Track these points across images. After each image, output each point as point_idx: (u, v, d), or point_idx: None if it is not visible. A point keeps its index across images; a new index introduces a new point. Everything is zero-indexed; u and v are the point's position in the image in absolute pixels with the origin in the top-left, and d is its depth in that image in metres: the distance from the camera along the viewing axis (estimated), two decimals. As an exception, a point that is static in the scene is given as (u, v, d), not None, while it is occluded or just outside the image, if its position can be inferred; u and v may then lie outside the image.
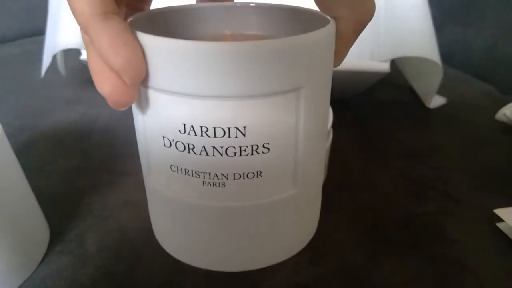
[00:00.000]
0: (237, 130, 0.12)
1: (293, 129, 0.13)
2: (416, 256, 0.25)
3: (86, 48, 0.13)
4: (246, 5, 0.16)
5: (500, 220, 0.26)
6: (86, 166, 0.31)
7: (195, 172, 0.13)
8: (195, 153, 0.13)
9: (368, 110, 0.38)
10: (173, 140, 0.13)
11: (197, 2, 0.17)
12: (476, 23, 0.42)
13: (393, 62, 0.32)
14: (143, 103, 0.13)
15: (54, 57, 0.32)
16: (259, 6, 0.16)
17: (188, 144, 0.12)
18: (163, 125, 0.13)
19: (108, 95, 0.12)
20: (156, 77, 0.12)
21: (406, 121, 0.37)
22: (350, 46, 0.14)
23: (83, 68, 0.33)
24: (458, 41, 0.43)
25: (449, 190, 0.30)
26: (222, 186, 0.13)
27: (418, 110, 0.38)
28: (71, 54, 0.32)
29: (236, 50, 0.11)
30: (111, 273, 0.24)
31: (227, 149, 0.12)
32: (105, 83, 0.12)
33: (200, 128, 0.12)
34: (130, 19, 0.14)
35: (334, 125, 0.28)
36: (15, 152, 0.22)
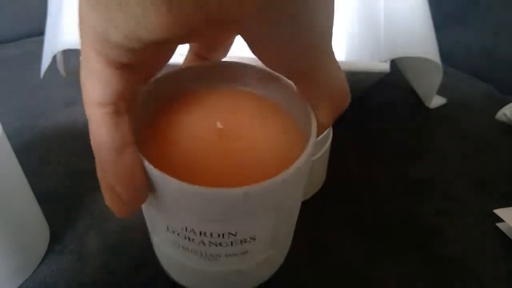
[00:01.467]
0: (230, 234, 0.15)
1: (274, 224, 0.16)
2: (416, 256, 0.25)
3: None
4: (241, 65, 0.17)
5: (500, 220, 0.26)
6: (86, 166, 0.31)
7: (193, 250, 0.16)
8: (194, 242, 0.15)
9: (367, 110, 0.38)
10: (175, 230, 0.15)
11: (185, 61, 0.18)
12: (476, 24, 0.42)
13: (393, 62, 0.32)
14: (150, 202, 0.15)
15: (54, 57, 0.32)
16: (255, 69, 0.17)
17: (188, 237, 0.15)
18: (167, 220, 0.15)
19: (110, 208, 0.14)
20: (167, 200, 0.14)
21: (406, 121, 0.37)
22: (328, 128, 0.16)
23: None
24: (457, 41, 0.43)
25: (449, 190, 0.30)
26: (216, 260, 0.16)
27: (418, 110, 0.38)
28: (71, 54, 0.32)
29: (227, 196, 0.13)
30: (111, 274, 0.24)
31: (220, 242, 0.15)
32: (108, 198, 0.14)
33: (199, 231, 0.15)
34: (140, 93, 0.15)
35: (333, 125, 0.28)
36: (15, 152, 0.22)
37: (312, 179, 0.29)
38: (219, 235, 0.15)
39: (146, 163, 0.13)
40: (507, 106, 0.36)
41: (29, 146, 0.32)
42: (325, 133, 0.26)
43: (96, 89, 0.12)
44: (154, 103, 0.16)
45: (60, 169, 0.30)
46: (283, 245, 0.19)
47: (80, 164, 0.31)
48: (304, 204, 0.28)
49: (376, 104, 0.39)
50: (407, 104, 0.39)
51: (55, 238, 0.25)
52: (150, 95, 0.16)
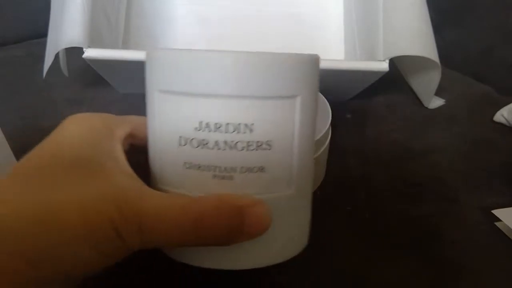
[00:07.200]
0: (246, 127, 0.15)
1: (290, 131, 0.16)
2: (415, 257, 0.25)
3: None
4: None
5: (499, 220, 0.27)
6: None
7: (207, 166, 0.15)
8: (208, 148, 0.15)
9: (366, 110, 0.38)
10: (188, 138, 0.15)
11: None
12: (473, 25, 0.43)
13: (392, 62, 0.32)
14: (163, 108, 0.16)
15: (57, 57, 0.33)
16: None
17: (203, 140, 0.15)
18: (181, 125, 0.15)
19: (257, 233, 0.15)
20: (182, 82, 0.15)
21: (405, 121, 0.37)
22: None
23: (86, 67, 0.33)
24: (455, 42, 0.43)
25: (447, 191, 0.30)
26: (230, 179, 0.15)
27: (416, 110, 0.39)
28: (74, 53, 0.32)
29: (251, 59, 0.14)
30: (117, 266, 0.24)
31: (236, 143, 0.15)
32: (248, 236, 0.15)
33: (214, 124, 0.15)
34: None
35: (332, 125, 0.28)
36: (17, 153, 0.22)
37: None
38: (235, 129, 0.14)
39: (167, 49, 0.15)
40: (505, 107, 0.36)
41: (31, 146, 0.33)
42: (323, 132, 0.27)
43: None
44: None
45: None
46: (302, 193, 0.17)
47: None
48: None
49: (375, 104, 0.39)
50: (406, 104, 0.40)
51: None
52: None
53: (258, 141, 0.15)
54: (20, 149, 0.23)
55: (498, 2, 0.40)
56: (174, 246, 0.16)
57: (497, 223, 0.27)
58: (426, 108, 0.39)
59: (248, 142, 0.15)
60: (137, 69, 0.33)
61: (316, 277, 0.24)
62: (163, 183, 0.16)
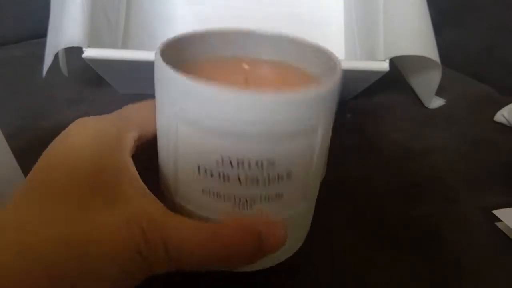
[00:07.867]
0: (268, 162, 0.14)
1: (310, 158, 0.15)
2: (415, 257, 0.25)
3: None
4: (261, 34, 0.18)
5: (499, 220, 0.26)
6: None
7: (227, 197, 0.15)
8: (229, 182, 0.14)
9: (367, 110, 0.38)
10: (208, 169, 0.14)
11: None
12: (473, 25, 0.43)
13: (393, 62, 0.32)
14: (182, 138, 0.15)
15: (56, 56, 0.33)
16: (273, 35, 0.18)
17: (223, 174, 0.14)
18: (200, 156, 0.14)
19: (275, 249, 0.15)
20: (202, 117, 0.14)
21: (405, 121, 0.37)
22: None
23: (86, 67, 0.33)
24: (455, 42, 0.43)
25: (448, 191, 0.30)
26: (249, 209, 0.15)
27: (417, 111, 0.39)
28: (73, 53, 0.32)
29: (272, 99, 0.13)
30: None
31: (257, 176, 0.14)
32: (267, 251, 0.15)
33: (236, 160, 0.14)
34: (161, 47, 0.16)
35: (333, 125, 0.28)
36: (16, 153, 0.22)
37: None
38: (257, 164, 0.14)
39: (190, 80, 0.13)
40: (506, 107, 0.36)
41: (31, 146, 0.32)
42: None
43: None
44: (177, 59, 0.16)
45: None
46: (313, 201, 0.19)
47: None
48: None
49: (375, 104, 0.39)
50: (406, 104, 0.40)
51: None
52: (172, 53, 0.16)
53: (278, 173, 0.15)
54: (20, 149, 0.23)
55: (498, 2, 0.40)
56: (198, 269, 0.16)
57: (497, 223, 0.27)
58: (426, 108, 0.39)
59: (269, 175, 0.14)
60: (136, 69, 0.33)
61: (316, 277, 0.24)
62: (180, 198, 0.16)
